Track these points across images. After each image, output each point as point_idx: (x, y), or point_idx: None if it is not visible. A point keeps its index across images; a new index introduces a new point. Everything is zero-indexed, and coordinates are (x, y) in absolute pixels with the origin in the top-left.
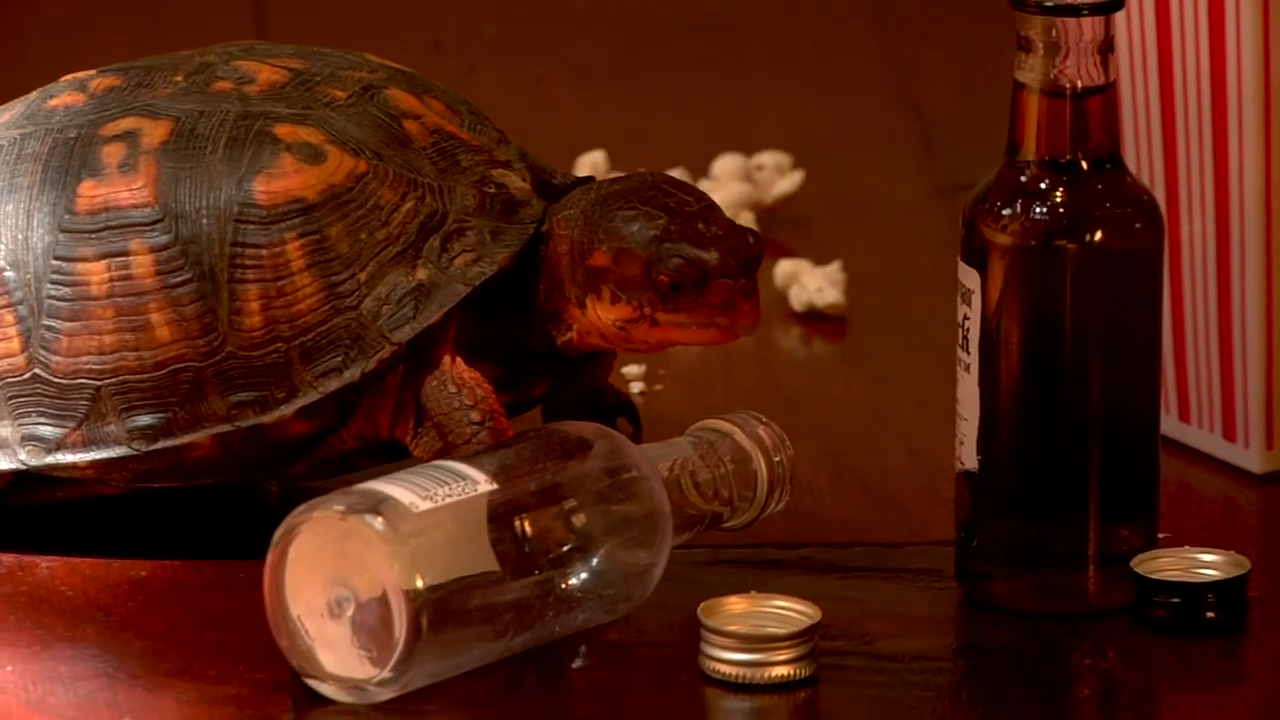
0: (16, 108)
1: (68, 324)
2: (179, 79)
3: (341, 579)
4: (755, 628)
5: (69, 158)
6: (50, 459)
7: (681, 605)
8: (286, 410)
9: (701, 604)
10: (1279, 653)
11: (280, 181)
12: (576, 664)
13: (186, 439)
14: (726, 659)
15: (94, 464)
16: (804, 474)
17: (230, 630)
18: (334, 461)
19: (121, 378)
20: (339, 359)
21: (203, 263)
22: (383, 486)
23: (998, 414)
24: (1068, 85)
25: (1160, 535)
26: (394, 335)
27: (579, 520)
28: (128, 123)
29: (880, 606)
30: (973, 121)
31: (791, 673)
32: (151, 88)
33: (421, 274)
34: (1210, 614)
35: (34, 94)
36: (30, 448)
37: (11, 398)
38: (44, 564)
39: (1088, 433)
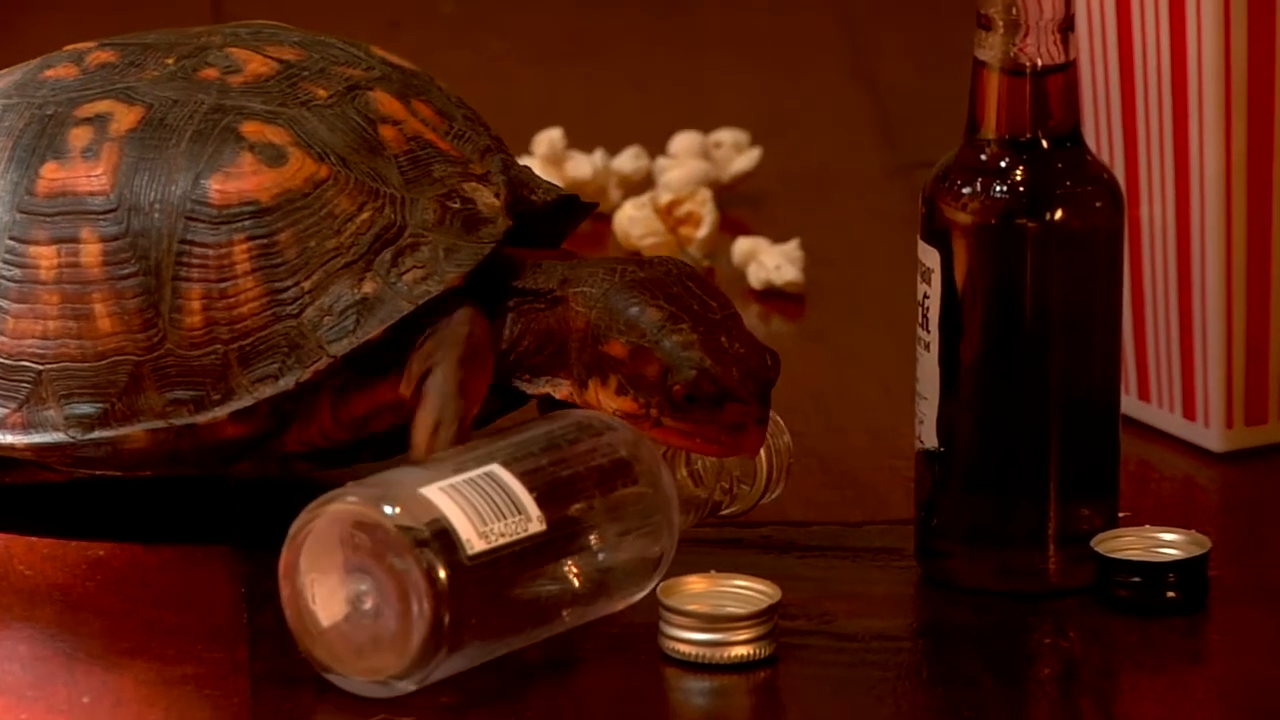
0: (15, 74)
1: (15, 305)
2: (170, 61)
3: (360, 572)
4: (715, 607)
5: (39, 136)
6: None
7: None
8: (220, 413)
9: (661, 583)
10: (1239, 632)
11: (235, 182)
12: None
13: (122, 431)
14: (686, 639)
15: (31, 447)
16: None
17: (188, 610)
18: (275, 463)
19: (63, 364)
20: (275, 366)
21: (149, 257)
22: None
23: (958, 393)
24: (1028, 63)
25: (1120, 514)
26: (331, 347)
27: (594, 514)
28: (103, 105)
29: (840, 585)
30: (932, 99)
31: (751, 652)
32: (141, 68)
33: (368, 287)
34: (1171, 593)
35: (36, 61)
36: None
37: None
38: (1, 543)
39: (1048, 411)
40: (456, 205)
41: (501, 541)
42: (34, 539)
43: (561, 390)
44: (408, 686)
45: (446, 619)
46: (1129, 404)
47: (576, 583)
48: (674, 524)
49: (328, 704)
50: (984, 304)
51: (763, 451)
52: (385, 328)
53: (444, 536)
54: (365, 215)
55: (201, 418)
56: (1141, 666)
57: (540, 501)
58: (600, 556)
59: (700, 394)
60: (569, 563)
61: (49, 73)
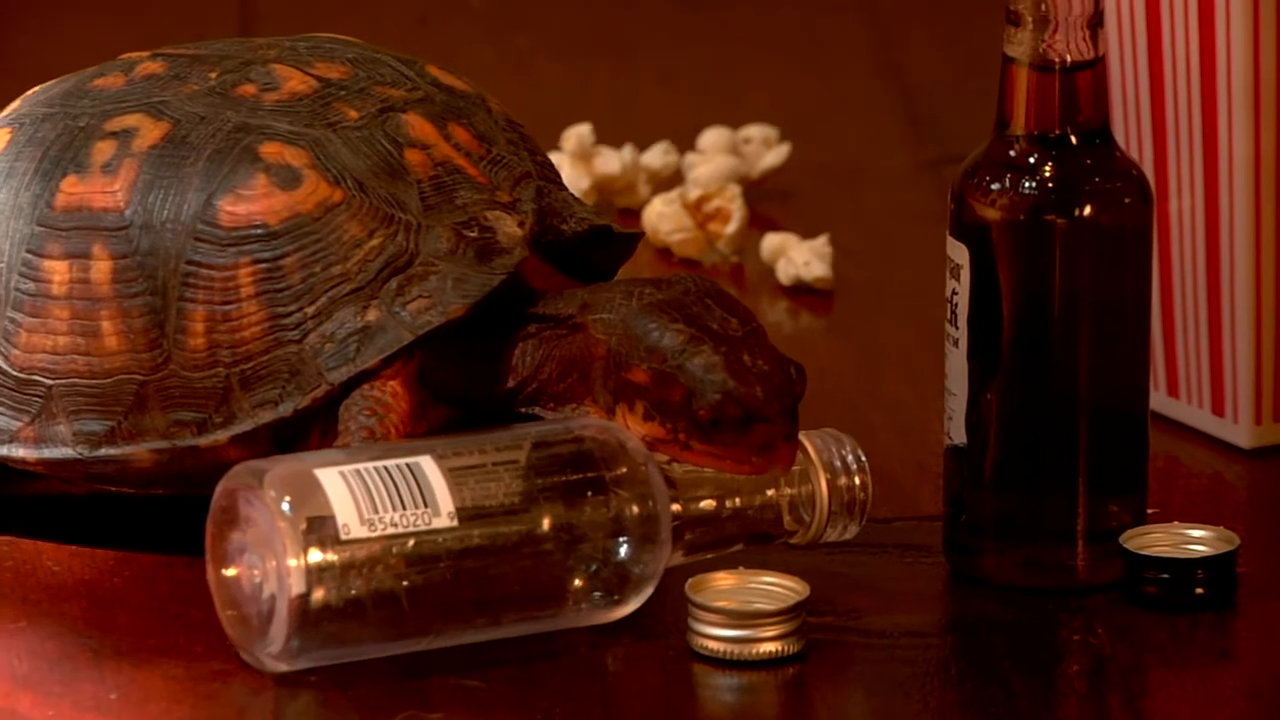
0: (69, 81)
1: (28, 319)
2: (213, 76)
3: (252, 547)
4: (743, 604)
5: (66, 148)
6: (4, 450)
7: (669, 581)
8: (222, 436)
9: (689, 580)
10: (1268, 628)
11: (246, 204)
12: None
13: (127, 450)
14: (714, 635)
15: (43, 462)
16: None
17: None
18: None
19: (71, 380)
20: (276, 391)
21: (157, 276)
22: (324, 480)
23: (987, 389)
24: (1057, 60)
25: (1149, 511)
26: (330, 375)
27: (538, 520)
28: (131, 120)
29: (869, 582)
30: (961, 94)
31: (780, 649)
32: (183, 82)
33: (371, 315)
34: (1199, 590)
35: (93, 69)
36: None
37: None
38: (30, 540)
39: (1076, 408)
40: (474, 234)
41: (390, 531)
42: (62, 536)
43: (592, 414)
44: (278, 665)
45: (312, 596)
46: (1158, 400)
47: (515, 586)
48: (660, 547)
49: (355, 701)
50: (1013, 300)
51: (825, 486)
52: (383, 357)
53: (321, 516)
54: (376, 242)
55: (203, 440)
56: (1170, 663)
57: (465, 499)
58: (551, 563)
59: (725, 417)
60: (501, 565)
61: (98, 82)
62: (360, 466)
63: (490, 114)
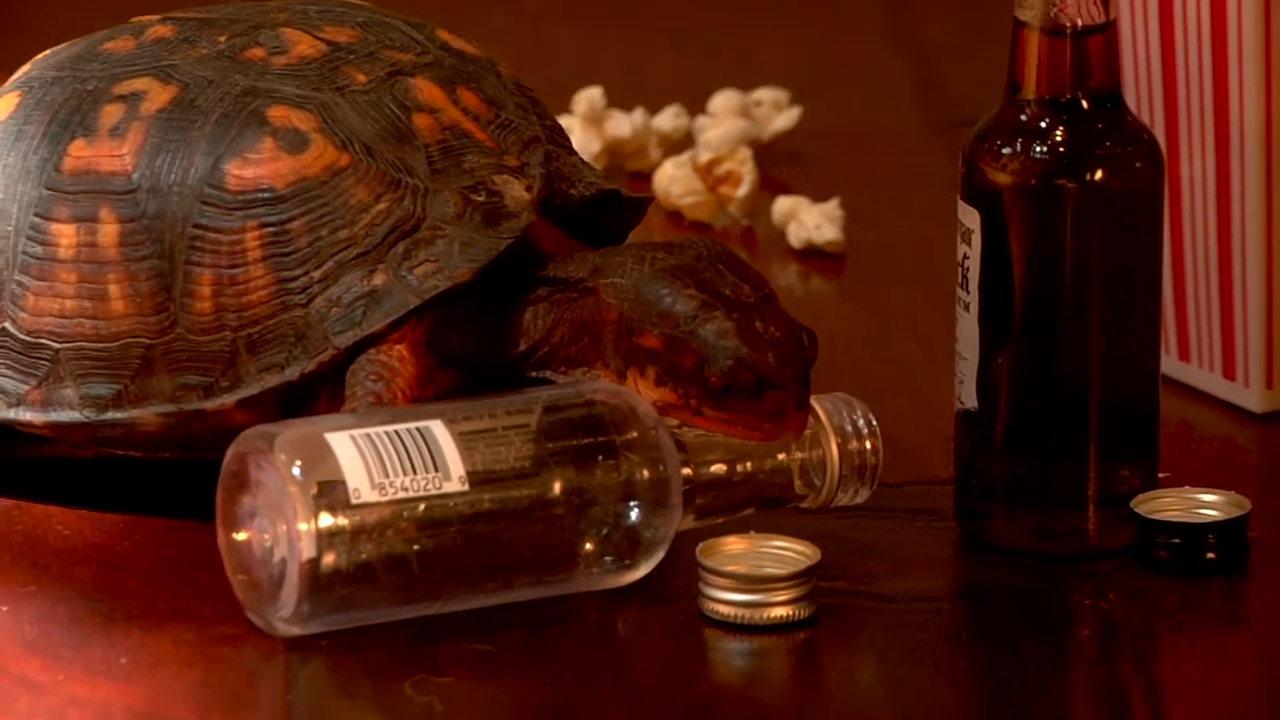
0: (79, 45)
1: (35, 282)
2: (222, 39)
3: (263, 511)
4: (754, 568)
5: (75, 112)
6: (11, 414)
7: (680, 545)
8: (228, 400)
9: (700, 544)
10: (1279, 593)
11: (253, 167)
12: None
13: (134, 413)
14: (725, 600)
15: (50, 425)
16: None
17: (226, 571)
18: None
19: (78, 344)
20: (282, 355)
21: (164, 240)
22: (335, 444)
23: (997, 353)
24: (1068, 24)
25: (1160, 475)
26: (336, 339)
27: (549, 484)
28: (140, 83)
29: (879, 546)
30: (972, 57)
31: (791, 613)
32: (193, 45)
33: (378, 279)
34: (1210, 554)
35: (103, 33)
36: None
37: None
38: (39, 504)
39: (1088, 372)
40: (481, 198)
41: (401, 495)
42: (72, 500)
43: (604, 378)
44: (289, 629)
45: (322, 560)
46: (1169, 364)
47: (526, 550)
48: (671, 511)
49: (366, 665)
50: (1024, 264)
51: (836, 450)
52: (390, 321)
53: (332, 480)
54: (383, 206)
55: (210, 404)
56: (1181, 628)
57: (476, 463)
58: (562, 527)
59: (738, 383)
60: (511, 529)
61: (107, 45)
62: (371, 431)
63: (500, 78)
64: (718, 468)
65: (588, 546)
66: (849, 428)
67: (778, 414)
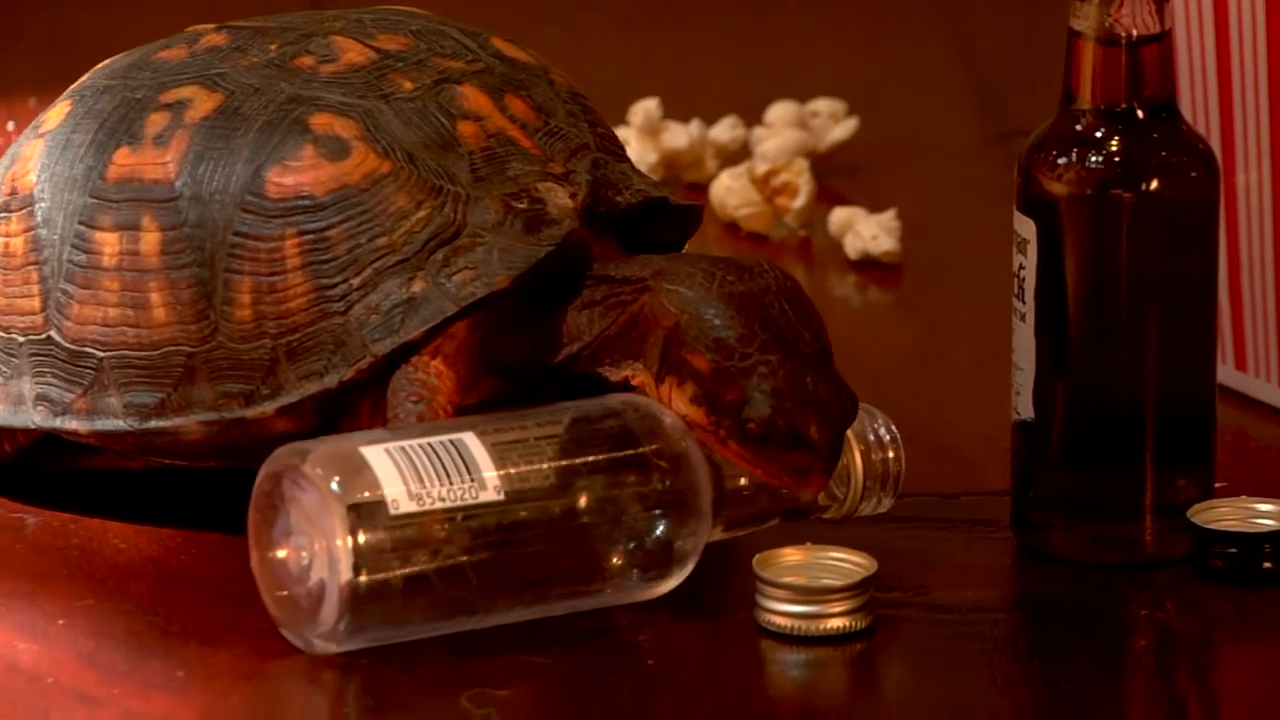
0: (135, 54)
1: (80, 290)
2: (273, 48)
3: (299, 528)
4: (811, 579)
5: (121, 120)
6: (58, 422)
7: (736, 557)
8: (269, 407)
9: (756, 555)
10: None
11: (293, 175)
12: None
13: (177, 421)
14: (782, 611)
15: (95, 434)
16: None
17: None
18: None
19: (121, 352)
20: (321, 363)
21: (205, 248)
22: (374, 461)
23: (1054, 364)
24: (1123, 33)
25: (1217, 485)
26: (375, 347)
27: (583, 494)
28: (187, 91)
29: (936, 557)
30: (1028, 67)
31: (847, 624)
32: (243, 54)
33: (417, 286)
34: (1267, 564)
35: (161, 41)
36: (42, 408)
37: (32, 355)
38: (96, 519)
39: (1144, 382)
40: (523, 205)
41: (438, 505)
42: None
43: (638, 377)
44: (327, 647)
45: (362, 574)
46: (1225, 373)
47: (561, 561)
48: (701, 522)
49: (421, 679)
50: (1080, 275)
51: (859, 459)
52: (427, 328)
53: (370, 493)
54: (423, 213)
55: (250, 412)
56: (1238, 637)
57: (509, 473)
58: (594, 538)
59: (773, 433)
60: (546, 540)
61: (161, 54)
62: (405, 443)
63: (552, 86)
64: (744, 480)
65: (618, 558)
66: (872, 437)
67: (802, 471)
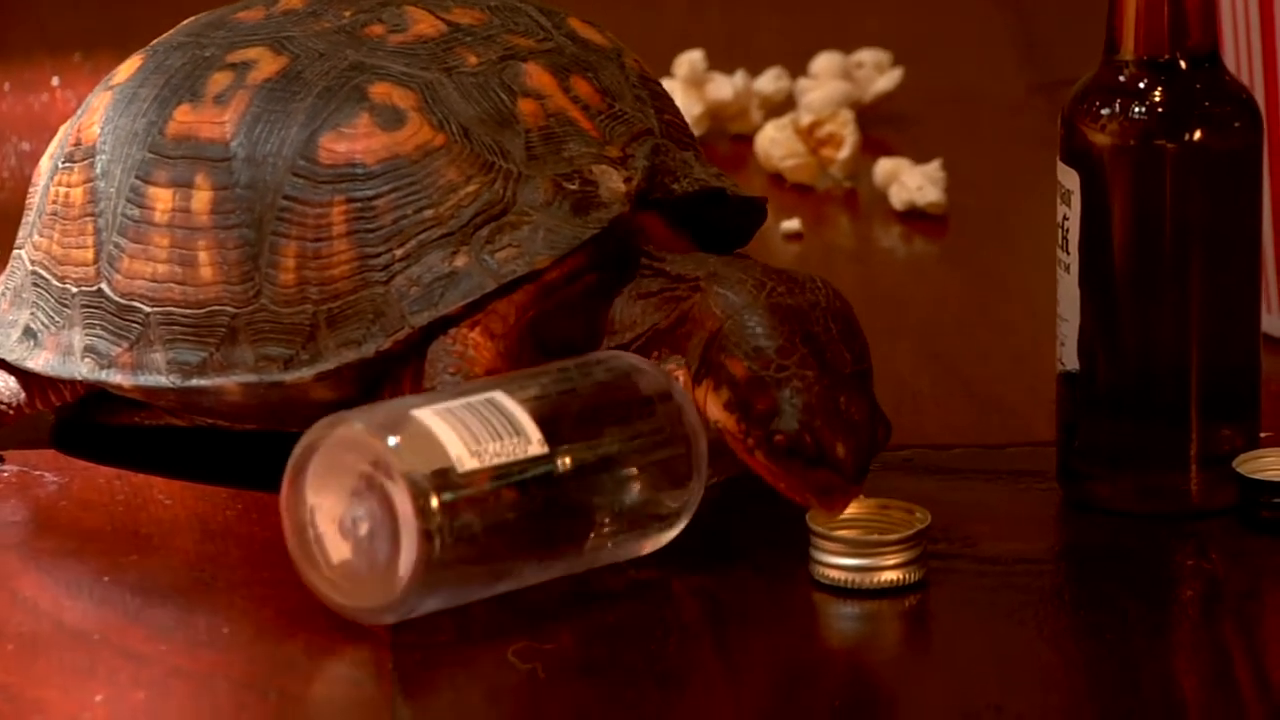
0: (216, 13)
1: (131, 244)
2: (347, 14)
3: (353, 497)
4: (864, 532)
5: (187, 78)
6: (103, 374)
7: (789, 510)
8: (307, 373)
9: (810, 509)
10: None
11: (347, 142)
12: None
13: (218, 381)
14: (836, 564)
15: (139, 388)
16: (905, 375)
17: None
18: None
19: (167, 309)
20: (360, 332)
21: (254, 210)
22: (429, 423)
23: (1098, 315)
24: None
25: (1262, 434)
26: (413, 319)
27: (606, 444)
28: (253, 52)
29: (982, 509)
30: (1073, 17)
31: (901, 577)
32: (318, 19)
33: (459, 261)
34: None
35: (243, 1)
36: (89, 360)
37: (84, 306)
38: (140, 474)
39: (1188, 332)
40: (574, 186)
41: (497, 461)
42: (173, 470)
43: (679, 371)
44: (392, 617)
45: (437, 532)
46: (1270, 322)
47: (594, 516)
48: (701, 466)
49: (466, 633)
50: (1123, 225)
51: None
52: (466, 303)
53: (433, 454)
54: (472, 188)
55: (289, 376)
56: None
57: (544, 427)
58: (617, 488)
59: (799, 449)
60: (581, 492)
61: (240, 15)
62: (449, 404)
63: (623, 70)
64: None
65: (655, 505)
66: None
67: (825, 490)
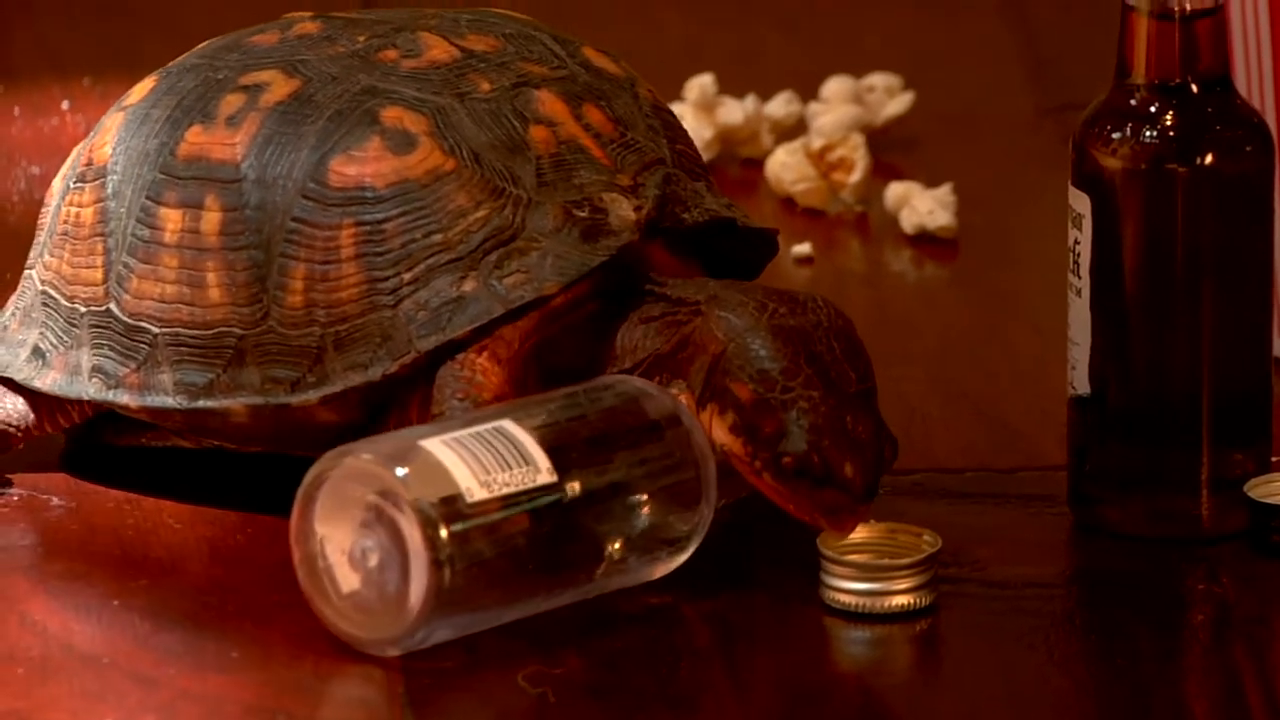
0: (229, 37)
1: (141, 265)
2: (361, 39)
3: (362, 528)
4: (875, 556)
5: (200, 99)
6: (110, 395)
7: (800, 534)
8: (313, 396)
9: (821, 533)
10: None
11: (356, 165)
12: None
13: (225, 402)
14: (847, 589)
15: (145, 409)
16: (916, 398)
17: None
18: None
19: (175, 330)
20: (367, 355)
21: (263, 231)
22: (438, 453)
23: (1109, 339)
24: (1177, 7)
25: (1274, 459)
26: (420, 343)
27: (616, 470)
28: (266, 75)
29: (992, 532)
30: (1084, 39)
31: (912, 602)
32: (332, 43)
33: (467, 286)
34: None
35: (258, 26)
36: (97, 381)
37: (92, 326)
38: (151, 498)
39: (1199, 356)
40: (584, 214)
41: (506, 491)
42: (183, 495)
43: (683, 396)
44: (402, 649)
45: (447, 563)
46: None
47: (604, 542)
48: (711, 489)
49: (476, 658)
50: (1134, 249)
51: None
52: (473, 328)
53: (442, 484)
54: (481, 213)
55: (295, 399)
56: None
57: (553, 455)
58: (627, 514)
59: (807, 470)
60: (590, 519)
61: (254, 39)
62: (457, 434)
63: (636, 99)
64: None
65: (659, 527)
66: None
67: (834, 510)
